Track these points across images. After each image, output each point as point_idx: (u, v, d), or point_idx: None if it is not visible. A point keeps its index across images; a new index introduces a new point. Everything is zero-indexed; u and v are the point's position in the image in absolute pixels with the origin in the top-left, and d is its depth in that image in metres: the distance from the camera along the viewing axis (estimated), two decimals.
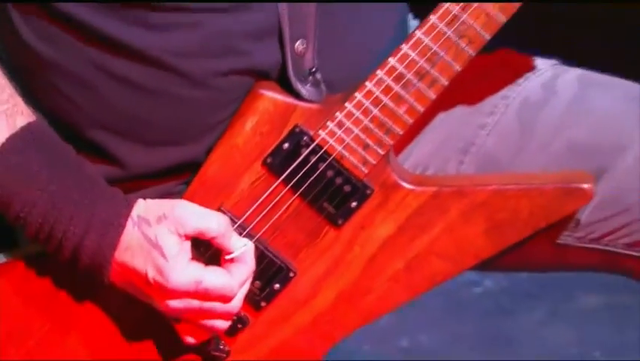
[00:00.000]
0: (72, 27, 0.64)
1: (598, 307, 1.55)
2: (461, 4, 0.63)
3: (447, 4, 0.63)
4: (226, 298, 0.65)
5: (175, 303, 0.63)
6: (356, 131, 0.65)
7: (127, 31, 0.64)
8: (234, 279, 0.64)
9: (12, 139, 0.63)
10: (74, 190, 0.64)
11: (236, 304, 0.66)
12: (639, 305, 1.43)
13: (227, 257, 0.64)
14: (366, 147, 0.66)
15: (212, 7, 0.63)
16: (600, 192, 0.72)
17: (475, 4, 0.63)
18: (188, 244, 0.63)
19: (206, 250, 0.65)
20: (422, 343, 1.54)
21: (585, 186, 0.70)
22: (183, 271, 0.62)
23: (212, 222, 0.64)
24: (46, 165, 0.64)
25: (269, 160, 0.66)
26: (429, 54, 0.64)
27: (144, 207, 0.64)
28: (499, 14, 0.63)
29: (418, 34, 0.64)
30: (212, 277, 0.63)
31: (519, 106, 0.80)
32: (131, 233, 0.63)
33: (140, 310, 0.68)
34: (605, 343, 1.49)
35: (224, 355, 0.69)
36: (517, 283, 1.61)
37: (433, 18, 0.64)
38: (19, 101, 0.66)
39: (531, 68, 0.81)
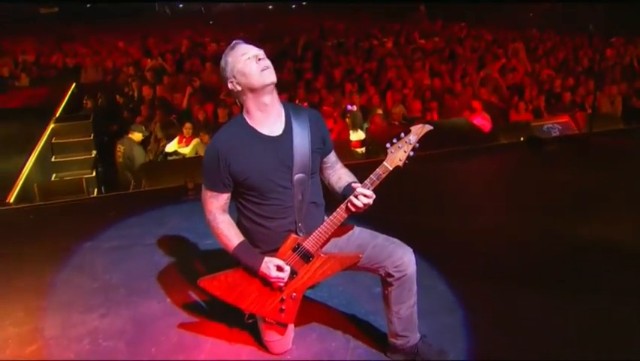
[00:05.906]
0: (254, 222, 2.79)
1: (371, 281, 3.31)
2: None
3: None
4: (284, 278, 2.78)
5: (272, 279, 2.78)
6: (312, 242, 2.75)
7: (265, 221, 2.76)
8: (285, 275, 2.77)
9: (241, 243, 2.78)
10: (253, 254, 2.78)
11: (286, 280, 2.79)
12: (373, 282, 3.15)
13: (284, 269, 2.77)
14: (313, 246, 2.76)
15: (282, 216, 2.76)
16: (363, 256, 2.82)
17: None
18: (275, 267, 2.75)
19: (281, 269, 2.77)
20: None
21: (360, 254, 2.82)
22: (275, 273, 2.76)
23: (281, 263, 2.76)
24: (248, 251, 2.78)
25: (293, 250, 2.77)
26: (333, 222, 2.73)
27: (266, 258, 2.77)
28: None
29: (327, 219, 2.73)
30: (281, 274, 2.76)
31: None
32: (263, 265, 2.76)
33: (263, 279, 2.82)
34: (367, 294, 3.51)
35: (283, 289, 2.83)
36: (356, 276, 3.56)
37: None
38: (242, 235, 2.80)
39: (352, 227, 2.90)
